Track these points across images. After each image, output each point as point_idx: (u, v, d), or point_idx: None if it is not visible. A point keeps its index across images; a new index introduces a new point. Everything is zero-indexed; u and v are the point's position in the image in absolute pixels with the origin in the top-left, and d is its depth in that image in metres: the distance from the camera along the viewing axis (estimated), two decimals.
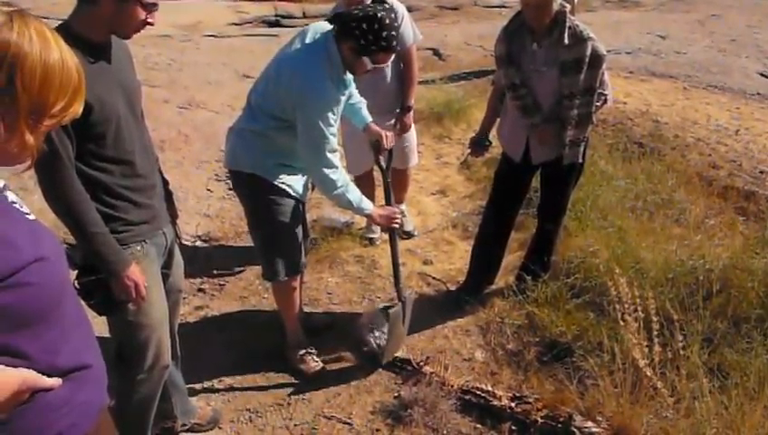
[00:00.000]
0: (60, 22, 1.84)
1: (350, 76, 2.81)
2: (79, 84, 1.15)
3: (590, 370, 2.88)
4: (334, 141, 2.68)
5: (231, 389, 3.07)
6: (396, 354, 3.18)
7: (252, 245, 3.14)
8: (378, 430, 2.81)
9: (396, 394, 2.99)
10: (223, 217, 4.64)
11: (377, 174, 3.26)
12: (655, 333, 2.68)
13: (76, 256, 1.97)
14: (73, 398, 1.25)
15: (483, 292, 3.70)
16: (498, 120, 3.49)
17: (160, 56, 8.06)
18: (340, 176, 2.75)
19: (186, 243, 3.91)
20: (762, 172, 5.09)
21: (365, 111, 3.10)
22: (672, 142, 5.70)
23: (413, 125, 4.03)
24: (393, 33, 2.55)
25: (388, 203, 3.09)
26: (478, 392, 2.91)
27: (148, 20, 1.93)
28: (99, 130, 1.91)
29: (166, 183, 2.40)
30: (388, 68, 3.59)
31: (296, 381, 3.10)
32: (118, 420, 1.58)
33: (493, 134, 3.57)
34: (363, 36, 2.53)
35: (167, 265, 2.34)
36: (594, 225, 4.01)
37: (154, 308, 2.18)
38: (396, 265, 3.14)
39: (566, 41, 2.94)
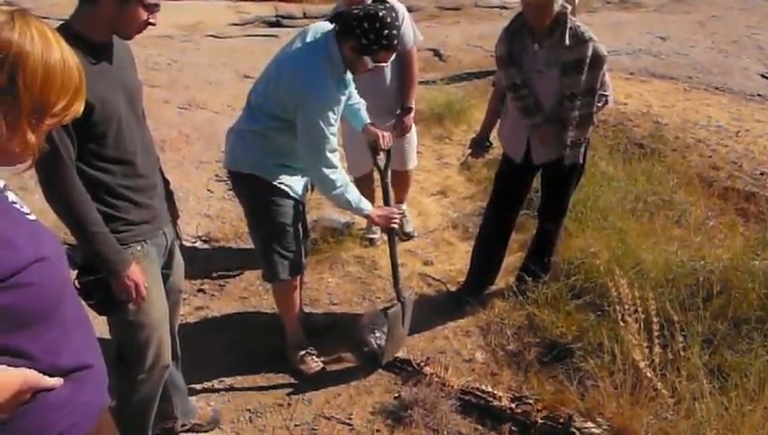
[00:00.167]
0: (60, 22, 1.84)
1: (350, 76, 2.81)
2: (80, 84, 1.16)
3: (590, 371, 2.88)
4: (334, 141, 2.68)
5: (231, 389, 3.07)
6: (396, 355, 3.18)
7: (252, 245, 3.14)
8: (378, 431, 2.81)
9: (396, 395, 2.99)
10: (223, 217, 4.64)
11: (377, 175, 3.25)
12: (655, 334, 2.68)
13: (76, 256, 1.97)
14: (75, 398, 1.25)
15: (483, 293, 3.70)
16: (499, 120, 3.49)
17: (161, 56, 8.06)
18: (340, 176, 2.75)
19: (186, 243, 3.91)
20: (762, 173, 5.09)
21: (364, 113, 3.10)
22: (672, 143, 5.69)
23: (413, 126, 4.03)
24: (394, 31, 2.56)
25: (386, 203, 3.09)
26: (478, 393, 2.91)
27: (150, 20, 1.93)
28: (100, 130, 1.91)
29: (167, 183, 2.40)
30: (387, 69, 3.59)
31: (296, 382, 3.10)
32: (118, 420, 1.58)
33: (493, 135, 3.57)
34: (364, 35, 2.53)
35: (167, 266, 2.34)
36: (594, 226, 4.01)
37: (154, 308, 2.18)
38: (395, 265, 3.14)
39: (567, 42, 2.93)
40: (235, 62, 8.23)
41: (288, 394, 3.03)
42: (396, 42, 2.60)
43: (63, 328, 1.22)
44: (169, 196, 2.41)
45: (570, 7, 3.03)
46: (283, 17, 12.65)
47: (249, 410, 2.93)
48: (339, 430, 2.83)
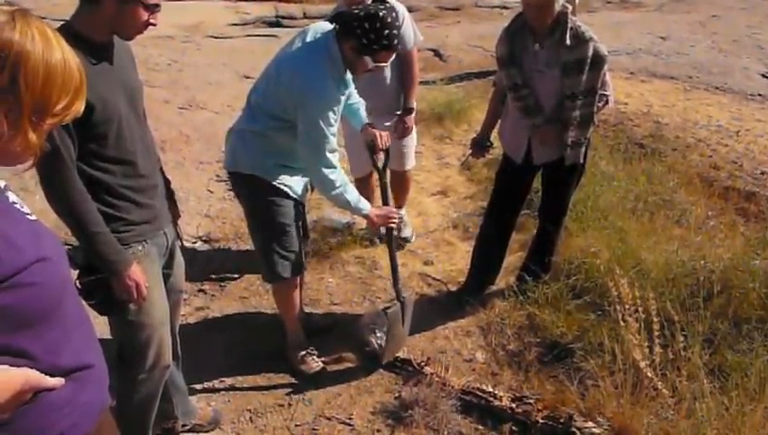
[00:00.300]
0: (61, 22, 1.84)
1: (350, 76, 2.81)
2: (80, 83, 1.16)
3: (590, 370, 2.88)
4: (334, 141, 2.68)
5: (232, 389, 3.07)
6: (397, 355, 3.18)
7: (252, 246, 3.14)
8: (378, 431, 2.81)
9: (396, 395, 2.99)
10: (223, 217, 4.64)
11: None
12: (655, 333, 2.68)
13: (77, 256, 1.97)
14: (75, 398, 1.25)
15: (483, 292, 3.70)
16: (499, 121, 3.49)
17: (161, 57, 8.07)
18: (339, 176, 2.75)
19: (186, 243, 3.91)
20: (762, 173, 5.09)
21: (363, 112, 3.10)
22: (673, 143, 5.70)
23: (413, 127, 4.02)
24: (394, 31, 2.56)
25: (385, 203, 3.09)
26: (479, 393, 2.91)
27: (151, 21, 1.94)
28: (101, 130, 1.91)
29: (168, 183, 2.40)
30: (387, 69, 3.58)
31: (297, 382, 3.10)
32: (119, 420, 1.58)
33: (494, 135, 3.57)
34: (365, 35, 2.53)
35: (168, 266, 2.34)
36: (595, 225, 4.01)
37: (155, 308, 2.18)
38: (394, 265, 3.14)
39: (568, 42, 2.93)
40: (235, 63, 8.24)
41: (288, 394, 3.03)
42: (396, 42, 2.61)
43: (64, 328, 1.23)
44: (171, 196, 2.42)
45: (570, 7, 3.02)
46: (284, 17, 12.64)
47: (250, 411, 2.93)
48: (339, 430, 2.83)
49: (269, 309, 3.56)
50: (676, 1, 13.65)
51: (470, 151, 3.70)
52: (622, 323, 2.76)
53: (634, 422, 2.61)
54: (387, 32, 2.53)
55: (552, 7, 2.90)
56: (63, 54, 1.12)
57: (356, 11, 2.58)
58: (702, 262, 3.47)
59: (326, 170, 2.70)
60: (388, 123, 3.71)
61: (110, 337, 2.22)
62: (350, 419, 2.88)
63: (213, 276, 3.94)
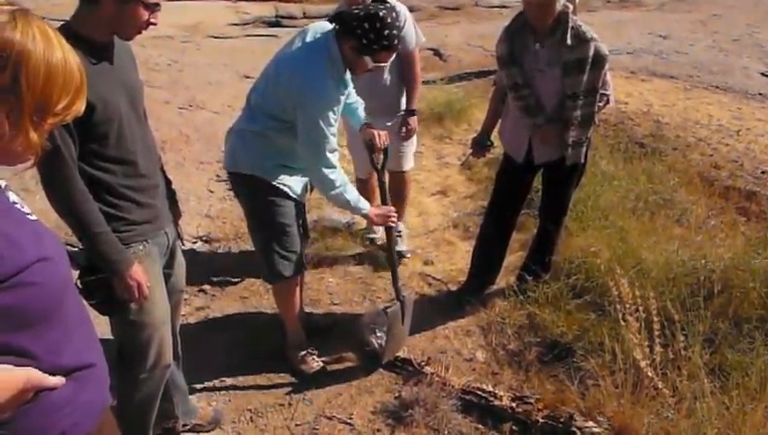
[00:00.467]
0: (60, 22, 1.84)
1: (349, 75, 2.80)
2: (81, 83, 1.16)
3: (591, 370, 2.88)
4: (334, 141, 2.68)
5: (232, 389, 3.07)
6: (397, 354, 3.18)
7: (252, 246, 3.14)
8: (379, 431, 2.81)
9: (397, 394, 2.99)
10: (224, 217, 4.64)
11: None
12: (656, 333, 2.68)
13: (78, 256, 1.97)
14: (76, 397, 1.25)
15: (484, 292, 3.70)
16: (500, 120, 3.48)
17: (161, 57, 8.07)
18: (339, 176, 2.75)
19: (187, 243, 3.91)
20: (763, 172, 5.09)
21: (362, 112, 3.10)
22: (673, 142, 5.70)
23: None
24: (394, 31, 2.56)
25: (384, 202, 3.09)
26: (479, 393, 2.91)
27: (151, 20, 1.93)
28: (101, 129, 1.91)
29: (169, 183, 2.40)
30: (387, 70, 3.58)
31: (297, 382, 3.10)
32: (119, 420, 1.58)
33: (494, 135, 3.57)
34: (365, 35, 2.53)
35: (168, 265, 2.34)
36: (595, 225, 4.01)
37: (156, 307, 2.18)
38: (393, 264, 3.14)
39: (569, 41, 2.93)
40: (235, 63, 8.24)
41: (289, 394, 3.03)
42: (396, 42, 2.60)
43: (65, 328, 1.23)
44: (172, 196, 2.42)
45: (571, 6, 3.02)
46: (283, 17, 12.65)
47: (250, 410, 2.93)
48: (340, 429, 2.83)
49: (269, 309, 3.56)
50: (676, 0, 13.65)
51: (470, 151, 3.69)
52: (623, 323, 2.76)
53: (634, 422, 2.61)
54: (387, 32, 2.53)
55: (552, 7, 2.90)
56: (64, 54, 1.13)
57: (356, 11, 2.58)
58: (702, 261, 3.47)
59: (326, 170, 2.70)
60: (388, 123, 3.70)
61: (110, 337, 2.22)
62: (350, 418, 2.88)
63: (213, 276, 3.94)
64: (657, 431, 2.59)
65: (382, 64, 2.70)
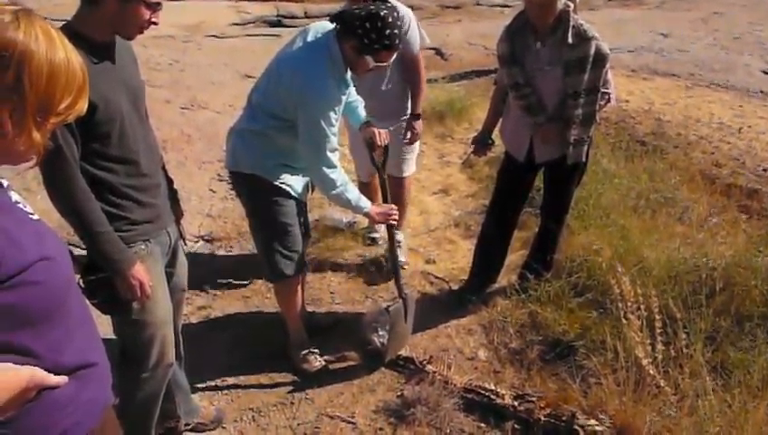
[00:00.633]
0: (62, 22, 1.84)
1: (350, 75, 2.80)
2: (83, 82, 1.17)
3: (592, 368, 2.88)
4: (335, 141, 2.68)
5: (234, 388, 3.07)
6: (399, 353, 3.18)
7: (254, 245, 3.15)
8: (381, 429, 2.81)
9: (399, 393, 2.99)
10: (225, 217, 4.65)
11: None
12: (658, 331, 2.67)
13: (80, 255, 1.97)
14: (78, 396, 1.25)
15: (485, 291, 3.70)
16: (501, 119, 3.48)
17: (162, 57, 8.08)
18: (340, 175, 2.75)
19: (188, 243, 3.91)
20: (765, 170, 5.09)
21: (362, 110, 3.10)
22: (675, 140, 5.70)
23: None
24: (396, 31, 2.55)
25: (385, 201, 3.09)
26: (481, 391, 2.91)
27: (153, 19, 1.94)
28: (103, 129, 1.91)
29: (170, 183, 2.40)
30: (391, 73, 3.55)
31: (299, 381, 3.10)
32: (122, 419, 1.58)
33: (495, 133, 3.57)
34: (366, 35, 2.53)
35: (170, 265, 2.35)
36: (597, 223, 4.01)
37: (158, 307, 2.19)
38: (395, 262, 3.14)
39: (570, 40, 2.93)
40: (236, 62, 8.25)
41: (291, 393, 3.03)
42: (397, 41, 2.60)
43: (67, 327, 1.23)
44: (173, 195, 2.42)
45: (572, 5, 3.02)
46: (285, 17, 12.66)
47: (252, 410, 2.94)
48: (342, 428, 2.84)
49: (271, 308, 3.56)
50: None
51: (472, 150, 3.69)
52: (624, 321, 2.75)
53: (636, 420, 2.61)
54: (388, 31, 2.53)
55: (553, 5, 2.90)
56: (67, 54, 1.13)
57: (357, 10, 2.57)
58: (704, 259, 3.47)
59: (327, 170, 2.70)
60: (391, 128, 3.62)
61: (113, 336, 2.22)
62: (352, 417, 2.88)
63: (215, 276, 3.94)
64: (659, 429, 2.59)
65: (383, 64, 2.70)
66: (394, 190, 3.49)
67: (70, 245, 1.41)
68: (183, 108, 6.47)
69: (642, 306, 2.72)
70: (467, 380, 3.00)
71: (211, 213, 4.69)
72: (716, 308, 3.15)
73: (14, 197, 1.20)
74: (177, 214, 2.43)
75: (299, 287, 3.13)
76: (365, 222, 4.34)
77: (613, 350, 2.79)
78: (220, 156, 5.17)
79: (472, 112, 6.41)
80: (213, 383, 3.09)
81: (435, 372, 3.01)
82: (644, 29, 10.22)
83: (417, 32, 3.60)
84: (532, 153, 3.28)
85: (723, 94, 7.09)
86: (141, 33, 1.97)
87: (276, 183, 2.80)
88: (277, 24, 12.35)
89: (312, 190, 3.06)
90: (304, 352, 3.16)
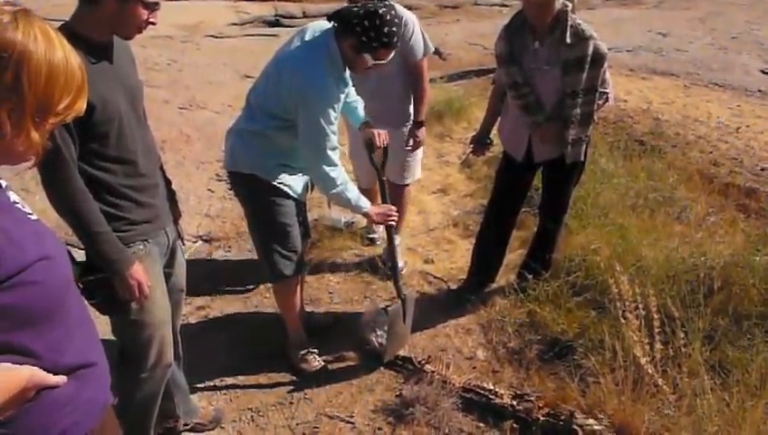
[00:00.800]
0: (61, 22, 1.84)
1: (348, 73, 2.80)
2: (82, 82, 1.17)
3: (591, 367, 2.88)
4: (335, 139, 2.68)
5: (233, 388, 3.07)
6: (398, 353, 3.18)
7: (253, 245, 3.15)
8: (379, 429, 2.82)
9: (397, 393, 2.99)
10: (224, 217, 4.65)
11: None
12: (656, 330, 2.68)
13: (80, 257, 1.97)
14: (78, 396, 1.25)
15: (484, 290, 3.70)
16: (499, 119, 3.49)
17: (161, 57, 8.07)
18: (340, 174, 2.75)
19: (187, 243, 3.91)
20: (763, 169, 5.10)
21: (361, 111, 3.10)
22: (673, 140, 5.70)
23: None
24: (394, 29, 2.56)
25: (384, 201, 3.10)
26: (480, 391, 2.91)
27: (150, 19, 1.93)
28: (101, 129, 1.91)
29: (168, 183, 2.40)
30: (393, 79, 3.51)
31: (298, 381, 3.10)
32: (121, 419, 1.58)
33: (493, 133, 3.57)
34: (364, 33, 2.53)
35: (169, 265, 2.35)
36: (595, 223, 4.01)
37: (157, 307, 2.19)
38: (394, 263, 3.14)
39: (568, 39, 2.93)
40: (234, 62, 8.24)
41: (290, 393, 3.03)
42: (395, 39, 2.60)
43: (67, 327, 1.23)
44: (171, 196, 2.42)
45: (570, 5, 3.02)
46: (283, 17, 12.65)
47: (251, 410, 2.94)
48: (340, 428, 2.84)
49: (270, 308, 3.56)
50: None
51: (470, 149, 3.69)
52: (623, 320, 2.76)
53: (635, 419, 2.61)
54: (386, 29, 2.53)
55: (551, 5, 2.90)
56: (65, 54, 1.13)
57: (355, 8, 2.58)
58: (702, 258, 3.47)
59: (327, 168, 2.70)
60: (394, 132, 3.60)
61: (111, 337, 2.22)
62: (351, 417, 2.88)
63: (214, 276, 3.94)
64: (658, 428, 2.59)
65: (382, 62, 2.70)
66: (393, 196, 3.42)
67: (68, 245, 1.41)
68: (181, 108, 6.46)
69: (640, 306, 2.73)
70: (466, 379, 3.00)
71: (209, 213, 4.69)
72: (714, 307, 3.16)
73: (13, 197, 1.20)
74: (176, 214, 2.43)
75: (298, 287, 3.14)
76: (363, 222, 4.34)
77: (612, 349, 2.79)
78: (218, 156, 5.18)
79: (470, 112, 6.42)
80: (212, 383, 3.09)
81: (433, 372, 3.01)
82: (642, 29, 10.23)
83: (420, 38, 3.54)
84: (530, 153, 3.28)
85: (721, 94, 7.10)
86: (140, 33, 1.97)
87: (275, 183, 2.80)
88: (275, 23, 12.35)
89: (312, 190, 3.06)
90: (303, 352, 3.16)
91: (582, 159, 3.27)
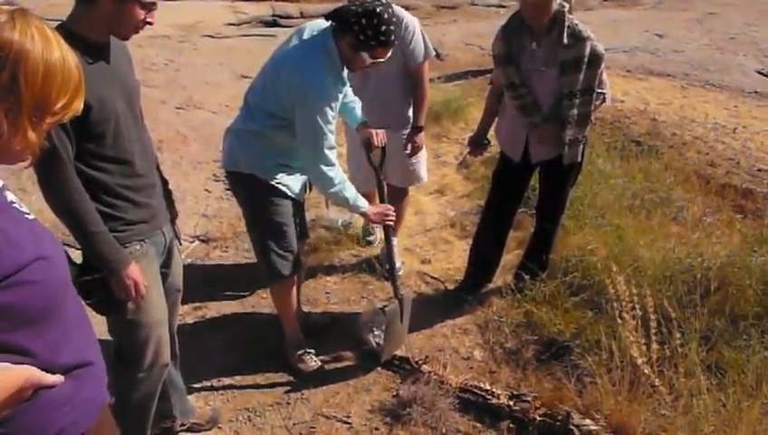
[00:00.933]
0: (58, 22, 1.84)
1: (346, 73, 2.80)
2: (79, 82, 1.17)
3: (588, 368, 2.89)
4: (332, 138, 2.69)
5: (230, 388, 3.07)
6: (395, 353, 3.19)
7: (250, 245, 3.14)
8: (376, 429, 2.82)
9: (394, 393, 3.00)
10: (221, 217, 4.64)
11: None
12: (653, 330, 2.69)
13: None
14: (75, 395, 1.25)
15: (481, 291, 3.71)
16: (496, 119, 3.49)
17: (158, 57, 8.06)
18: (338, 173, 2.75)
19: (184, 243, 3.91)
20: (759, 170, 5.11)
21: (359, 111, 3.10)
22: (670, 140, 5.71)
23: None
24: (391, 27, 2.56)
25: (382, 201, 3.10)
26: (477, 391, 2.92)
27: (148, 19, 1.93)
28: (98, 129, 1.91)
29: (165, 183, 2.40)
30: (393, 83, 3.50)
31: (295, 381, 3.10)
32: (118, 419, 1.58)
33: (491, 134, 3.57)
34: (362, 31, 2.54)
35: (166, 265, 2.34)
36: (592, 223, 4.02)
37: (153, 307, 2.18)
38: (391, 263, 3.14)
39: (565, 40, 2.94)
40: (232, 62, 8.23)
41: (287, 393, 3.03)
42: (393, 38, 2.60)
43: (64, 327, 1.23)
44: (168, 196, 2.42)
45: (567, 5, 3.03)
46: (281, 17, 12.62)
47: (248, 410, 2.94)
48: (337, 428, 2.84)
49: (267, 308, 3.56)
50: None
51: (468, 150, 3.69)
52: (619, 321, 2.76)
53: (631, 419, 2.62)
54: (384, 28, 2.54)
55: (549, 6, 2.91)
56: (63, 53, 1.13)
57: (353, 7, 2.58)
58: (699, 259, 3.48)
59: (324, 168, 2.70)
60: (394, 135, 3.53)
61: (108, 337, 2.22)
62: (348, 417, 2.88)
63: (211, 276, 3.94)
64: (654, 429, 2.60)
65: (380, 60, 2.70)
66: (394, 199, 3.39)
67: (65, 245, 1.41)
68: (178, 108, 6.46)
69: (637, 306, 2.74)
70: (463, 379, 3.00)
71: (207, 213, 4.69)
72: (711, 308, 3.17)
73: (10, 196, 1.20)
74: (172, 214, 2.43)
75: (295, 287, 3.13)
76: (361, 222, 4.34)
77: (608, 349, 2.80)
78: (216, 156, 5.17)
79: (468, 112, 6.42)
80: (209, 383, 3.08)
81: (430, 372, 3.01)
82: (639, 29, 10.24)
83: (421, 42, 3.49)
84: (527, 153, 3.29)
85: (718, 94, 7.12)
86: (137, 33, 1.97)
87: (273, 183, 2.80)
88: (273, 23, 12.32)
89: (310, 190, 3.06)
90: (300, 352, 3.16)
91: (579, 159, 3.28)
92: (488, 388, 2.93)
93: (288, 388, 3.06)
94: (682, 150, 5.50)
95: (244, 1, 13.34)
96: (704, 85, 7.44)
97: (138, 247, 2.11)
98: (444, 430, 2.76)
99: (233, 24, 11.69)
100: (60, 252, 1.25)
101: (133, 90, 2.12)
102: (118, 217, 2.04)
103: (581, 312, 3.33)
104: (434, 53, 3.66)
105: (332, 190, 2.78)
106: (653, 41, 9.50)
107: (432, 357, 3.19)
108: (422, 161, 3.85)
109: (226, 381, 3.11)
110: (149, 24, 1.95)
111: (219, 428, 2.84)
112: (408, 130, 3.65)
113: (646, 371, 2.64)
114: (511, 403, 2.84)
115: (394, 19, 2.59)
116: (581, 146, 3.23)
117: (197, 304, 3.66)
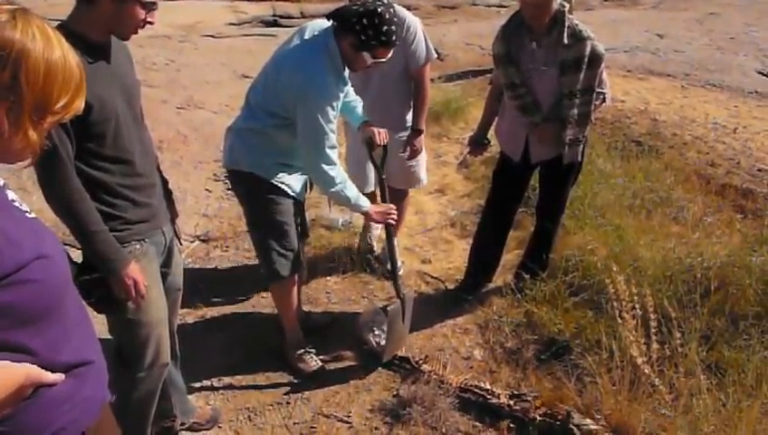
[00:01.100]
0: (58, 22, 1.84)
1: (347, 72, 2.81)
2: (80, 81, 1.17)
3: (588, 367, 2.89)
4: (333, 138, 2.69)
5: (230, 388, 3.07)
6: (396, 352, 3.19)
7: (250, 244, 3.14)
8: (376, 429, 2.82)
9: (395, 393, 3.00)
10: (221, 216, 4.64)
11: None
12: (653, 330, 2.69)
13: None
14: (76, 393, 1.26)
15: (481, 290, 3.71)
16: (496, 119, 3.49)
17: (158, 57, 8.06)
18: (339, 173, 2.75)
19: (184, 242, 3.91)
20: (760, 170, 5.11)
21: (360, 110, 3.10)
22: (670, 140, 5.71)
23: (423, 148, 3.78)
24: (393, 27, 2.57)
25: (383, 200, 3.10)
26: (477, 390, 2.92)
27: (148, 19, 1.93)
28: (98, 129, 1.91)
29: (165, 183, 2.40)
30: (394, 79, 3.48)
31: (295, 381, 3.11)
32: (118, 419, 1.58)
33: (491, 133, 3.57)
34: (363, 31, 2.54)
35: (166, 265, 2.35)
36: (592, 223, 4.02)
37: (153, 306, 2.19)
38: (393, 262, 3.14)
39: (565, 40, 2.94)
40: (232, 62, 8.23)
41: (287, 393, 3.03)
42: (394, 38, 2.61)
43: (64, 326, 1.23)
44: (168, 195, 2.42)
45: (567, 5, 3.03)
46: (281, 17, 12.62)
47: (248, 409, 2.94)
48: (338, 428, 2.84)
49: (267, 308, 3.56)
50: None
51: (468, 150, 3.69)
52: (619, 320, 2.76)
53: (631, 419, 2.62)
54: (385, 28, 2.54)
55: (549, 6, 2.91)
56: (64, 53, 1.13)
57: (354, 7, 2.58)
58: (699, 259, 3.48)
59: (326, 167, 2.71)
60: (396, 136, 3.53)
61: (108, 336, 2.22)
62: (348, 417, 2.89)
63: (211, 275, 3.94)
64: (654, 428, 2.60)
65: (381, 60, 2.70)
66: (394, 200, 3.34)
67: (65, 244, 1.41)
68: (179, 108, 6.46)
69: (637, 306, 2.73)
70: (463, 379, 3.01)
71: (207, 213, 4.69)
72: (711, 307, 3.17)
73: (11, 195, 1.20)
74: (172, 214, 2.43)
75: (295, 287, 3.13)
76: (361, 222, 4.34)
77: (608, 349, 2.80)
78: (216, 156, 5.17)
79: (468, 112, 6.42)
80: (209, 383, 3.09)
81: (430, 372, 3.01)
82: (640, 29, 10.23)
83: (423, 44, 3.46)
84: (527, 153, 3.29)
85: (718, 94, 7.11)
86: (137, 32, 1.97)
87: (274, 182, 2.80)
88: (273, 23, 12.31)
89: (310, 189, 3.06)
90: (300, 351, 3.16)
91: (580, 159, 3.28)
92: (488, 387, 2.94)
93: (288, 387, 3.07)
94: (682, 150, 5.50)
95: (245, 1, 13.33)
96: (704, 85, 7.44)
97: (138, 247, 2.11)
98: (444, 430, 2.76)
99: (233, 24, 11.69)
100: (60, 251, 1.25)
101: (133, 89, 2.12)
102: (118, 216, 2.04)
103: (581, 311, 3.33)
104: (435, 55, 3.63)
105: (334, 190, 2.79)
106: (653, 41, 9.49)
107: (432, 357, 3.19)
108: (422, 164, 3.83)
109: (227, 380, 3.11)
110: (150, 23, 1.95)
111: (219, 427, 2.84)
112: (407, 132, 3.63)
113: (646, 370, 2.64)
114: (511, 403, 2.84)
115: (395, 19, 2.59)
116: (582, 146, 3.23)
117: (197, 304, 3.66)
